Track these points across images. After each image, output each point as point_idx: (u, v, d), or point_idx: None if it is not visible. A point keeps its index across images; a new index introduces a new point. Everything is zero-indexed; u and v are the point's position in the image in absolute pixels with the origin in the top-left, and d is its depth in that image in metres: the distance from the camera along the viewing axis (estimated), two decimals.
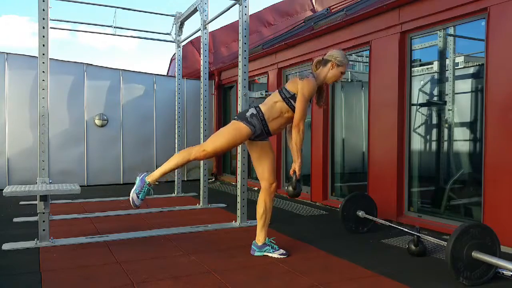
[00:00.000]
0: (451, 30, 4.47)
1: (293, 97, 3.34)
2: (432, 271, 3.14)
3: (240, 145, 4.67)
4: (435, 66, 4.82)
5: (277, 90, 3.47)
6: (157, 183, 3.45)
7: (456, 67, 4.53)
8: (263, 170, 3.51)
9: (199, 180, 5.94)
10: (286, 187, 3.45)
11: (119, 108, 8.52)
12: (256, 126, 3.35)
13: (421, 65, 4.94)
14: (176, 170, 6.97)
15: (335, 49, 3.56)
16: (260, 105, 3.43)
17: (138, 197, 3.36)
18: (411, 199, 4.77)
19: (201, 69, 5.83)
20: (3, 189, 3.86)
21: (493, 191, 3.76)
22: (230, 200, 6.10)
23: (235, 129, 3.36)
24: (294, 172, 3.35)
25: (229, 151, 3.42)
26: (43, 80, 3.90)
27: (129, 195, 3.40)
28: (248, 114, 3.37)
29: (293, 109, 3.36)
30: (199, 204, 5.89)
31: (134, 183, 3.49)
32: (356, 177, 6.21)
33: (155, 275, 2.99)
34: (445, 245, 2.89)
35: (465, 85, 4.55)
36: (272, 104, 3.40)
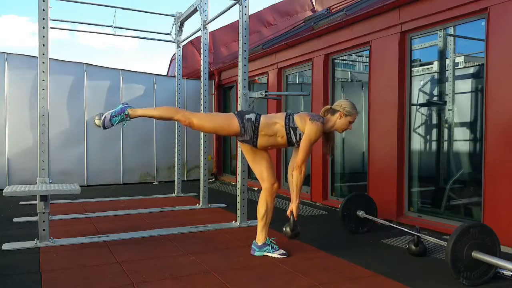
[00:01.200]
0: (451, 30, 4.47)
1: (295, 129, 3.35)
2: (432, 271, 3.14)
3: (240, 147, 4.68)
4: (435, 66, 4.82)
5: (285, 114, 3.45)
6: (128, 119, 3.39)
7: (456, 67, 4.53)
8: (261, 171, 3.52)
9: (199, 180, 5.94)
10: (284, 228, 3.47)
11: None
12: (246, 130, 3.35)
13: (421, 65, 4.94)
14: (176, 170, 6.98)
15: (343, 100, 3.53)
16: (262, 116, 3.43)
17: (110, 119, 3.34)
18: (411, 199, 4.77)
19: (201, 69, 5.83)
20: (3, 189, 3.86)
21: (493, 191, 3.76)
22: (230, 200, 6.10)
23: (227, 120, 3.39)
24: (292, 213, 3.37)
25: (210, 133, 3.51)
26: (43, 80, 3.90)
27: (102, 114, 3.36)
28: (247, 116, 3.38)
29: (288, 138, 3.38)
30: (199, 204, 5.89)
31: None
32: (356, 177, 6.21)
33: (155, 275, 2.99)
34: (445, 245, 2.90)
35: (465, 85, 4.55)
36: (273, 122, 3.40)
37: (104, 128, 3.35)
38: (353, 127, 3.55)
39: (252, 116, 3.38)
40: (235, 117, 3.38)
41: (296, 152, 3.51)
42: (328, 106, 3.52)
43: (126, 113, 3.36)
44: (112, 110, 3.37)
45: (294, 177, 3.38)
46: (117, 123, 3.36)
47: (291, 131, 3.36)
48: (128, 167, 8.51)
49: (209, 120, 3.46)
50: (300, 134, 3.36)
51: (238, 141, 3.54)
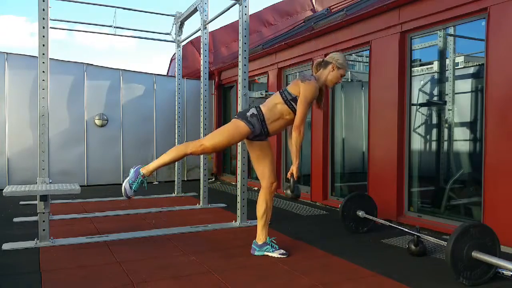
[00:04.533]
0: (451, 30, 4.47)
1: (295, 99, 3.35)
2: (432, 271, 3.14)
3: (240, 145, 4.68)
4: (435, 66, 4.82)
5: (278, 92, 3.47)
6: (145, 178, 3.39)
7: (456, 67, 4.53)
8: (263, 170, 3.52)
9: (199, 180, 5.94)
10: (284, 190, 3.45)
11: (119, 108, 8.52)
12: (255, 126, 3.35)
13: (421, 65, 4.94)
14: (176, 170, 6.98)
15: (335, 52, 3.57)
16: (260, 106, 3.44)
17: (131, 187, 3.33)
18: (411, 199, 4.77)
19: (201, 69, 5.83)
20: (3, 189, 3.86)
21: (493, 191, 3.76)
22: (230, 200, 6.10)
23: (234, 127, 3.37)
24: (292, 174, 3.36)
25: (227, 148, 3.45)
26: (43, 80, 3.90)
27: (122, 185, 3.37)
28: (248, 113, 3.38)
29: (294, 111, 3.36)
30: (199, 204, 5.89)
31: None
32: (356, 177, 6.21)
33: (155, 275, 2.99)
34: (445, 245, 2.89)
35: (465, 85, 4.55)
36: (273, 105, 3.41)
37: (129, 198, 3.37)
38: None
39: (253, 110, 3.39)
40: (238, 120, 3.38)
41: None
42: (320, 59, 3.54)
43: (141, 174, 3.35)
44: (128, 178, 3.37)
45: (293, 138, 3.35)
46: (139, 187, 3.36)
47: (292, 103, 3.36)
48: (128, 167, 8.40)
49: (219, 135, 3.41)
50: None
51: (246, 141, 3.51)
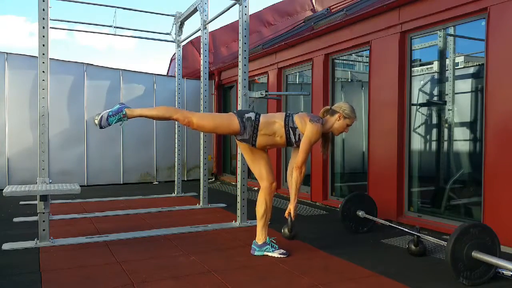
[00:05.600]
0: (451, 30, 4.47)
1: (294, 129, 3.37)
2: (432, 271, 3.14)
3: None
4: (435, 66, 4.82)
5: (285, 114, 3.47)
6: (125, 119, 3.34)
7: (456, 67, 4.53)
8: (260, 170, 3.52)
9: (199, 180, 5.94)
10: (282, 230, 3.48)
11: None
12: (246, 129, 3.35)
13: (421, 65, 4.94)
14: (176, 170, 6.98)
15: (343, 102, 3.56)
16: (261, 115, 3.44)
17: (107, 119, 3.29)
18: (411, 199, 4.77)
19: (201, 69, 5.83)
20: (3, 189, 3.86)
21: (493, 191, 3.76)
22: (230, 200, 6.10)
23: (227, 119, 3.39)
24: (290, 214, 3.37)
25: (210, 132, 3.51)
26: (43, 80, 3.89)
27: (100, 113, 3.30)
28: (246, 115, 3.39)
29: (287, 138, 3.39)
30: (199, 204, 5.89)
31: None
32: (356, 177, 6.21)
33: (155, 275, 2.98)
34: (445, 245, 2.90)
35: (465, 85, 4.55)
36: (272, 122, 3.41)
37: (101, 127, 3.30)
38: (354, 126, 3.56)
39: (251, 115, 3.39)
40: (234, 116, 3.39)
41: (295, 153, 3.51)
42: (328, 107, 3.54)
43: (124, 113, 3.33)
44: (109, 110, 3.33)
45: (294, 177, 3.38)
46: (114, 123, 3.31)
47: (291, 131, 3.37)
48: (128, 167, 8.51)
49: (209, 119, 3.46)
50: (299, 135, 3.37)
51: (237, 141, 3.55)
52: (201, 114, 3.49)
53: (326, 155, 3.69)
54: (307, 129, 3.32)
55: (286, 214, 3.41)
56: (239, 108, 4.62)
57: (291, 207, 3.40)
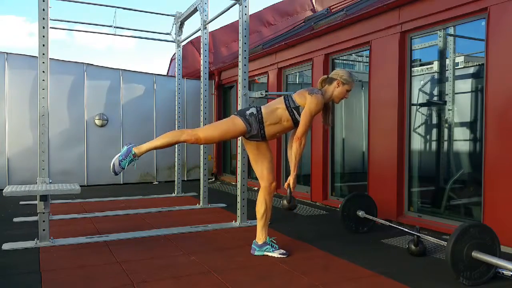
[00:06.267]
0: (451, 30, 4.47)
1: (297, 108, 3.36)
2: (432, 271, 3.14)
3: (239, 145, 4.68)
4: (435, 66, 4.82)
5: (283, 97, 3.46)
6: (136, 158, 3.38)
7: (456, 67, 4.53)
8: (262, 170, 3.52)
9: (199, 180, 5.94)
10: (281, 201, 3.47)
11: (119, 108, 8.52)
12: (252, 125, 3.35)
13: (421, 65, 4.94)
14: (176, 170, 6.98)
15: (340, 69, 3.57)
16: (262, 107, 3.44)
17: (120, 164, 3.33)
18: (411, 199, 4.77)
19: (201, 69, 5.83)
20: (3, 189, 3.86)
21: (493, 191, 3.76)
22: (230, 200, 6.10)
23: (231, 123, 3.38)
24: (289, 185, 3.37)
25: (220, 141, 3.49)
26: (43, 80, 3.90)
27: (111, 161, 3.35)
28: (247, 112, 3.39)
29: (293, 119, 3.38)
30: (199, 204, 5.89)
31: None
32: (356, 177, 6.20)
33: (155, 275, 2.99)
34: (445, 245, 2.90)
35: (465, 85, 4.55)
36: (274, 109, 3.40)
37: (116, 174, 3.33)
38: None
39: (253, 110, 3.39)
40: (236, 117, 3.39)
41: (294, 131, 3.48)
42: (325, 76, 3.54)
43: (133, 153, 3.36)
44: (119, 154, 3.37)
45: (294, 149, 3.35)
46: (128, 165, 3.35)
47: (294, 112, 3.37)
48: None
49: (214, 129, 3.42)
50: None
51: (244, 140, 3.53)
52: (205, 127, 3.47)
53: (328, 125, 3.65)
54: (307, 101, 3.31)
55: (285, 185, 3.39)
56: (239, 108, 4.62)
57: (290, 179, 3.37)
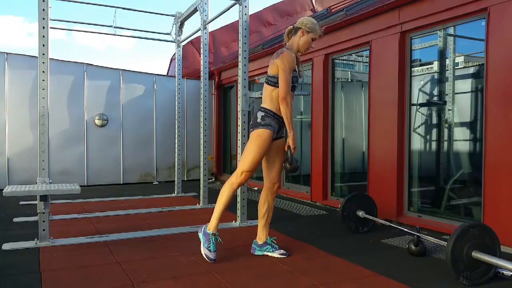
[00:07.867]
0: (451, 30, 4.47)
1: (276, 78, 3.37)
2: (432, 271, 3.14)
3: (239, 145, 4.67)
4: (435, 66, 4.82)
5: (264, 82, 3.48)
6: (217, 233, 3.35)
7: (456, 67, 4.53)
8: (271, 171, 3.52)
9: (199, 180, 5.94)
10: (283, 164, 3.43)
11: (119, 108, 8.52)
12: (272, 124, 3.35)
13: (421, 65, 4.94)
14: (176, 170, 6.98)
15: (305, 17, 3.55)
16: (262, 105, 3.44)
17: (210, 250, 3.28)
18: (411, 199, 4.77)
19: (201, 69, 5.83)
20: (3, 189, 3.86)
21: (493, 191, 3.76)
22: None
23: (257, 138, 3.33)
24: (289, 147, 3.35)
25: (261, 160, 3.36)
26: (43, 80, 3.89)
27: (202, 253, 3.31)
28: (259, 118, 3.37)
29: (278, 87, 3.36)
30: (199, 204, 5.89)
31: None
32: (356, 177, 6.21)
33: (155, 275, 2.99)
34: (445, 245, 2.89)
35: (465, 85, 4.55)
36: (270, 95, 3.41)
37: (213, 260, 3.27)
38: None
39: (260, 113, 3.38)
40: (255, 130, 3.35)
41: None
42: (291, 27, 3.53)
43: (210, 233, 3.32)
44: (202, 244, 3.32)
45: (282, 111, 3.31)
46: (215, 245, 3.31)
47: (276, 84, 3.36)
48: (128, 167, 8.50)
49: (250, 155, 3.33)
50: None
51: (273, 140, 3.44)
52: (242, 160, 3.37)
53: (301, 77, 3.62)
54: (278, 64, 3.32)
55: (285, 147, 3.37)
56: (239, 108, 4.63)
57: (289, 140, 3.34)
